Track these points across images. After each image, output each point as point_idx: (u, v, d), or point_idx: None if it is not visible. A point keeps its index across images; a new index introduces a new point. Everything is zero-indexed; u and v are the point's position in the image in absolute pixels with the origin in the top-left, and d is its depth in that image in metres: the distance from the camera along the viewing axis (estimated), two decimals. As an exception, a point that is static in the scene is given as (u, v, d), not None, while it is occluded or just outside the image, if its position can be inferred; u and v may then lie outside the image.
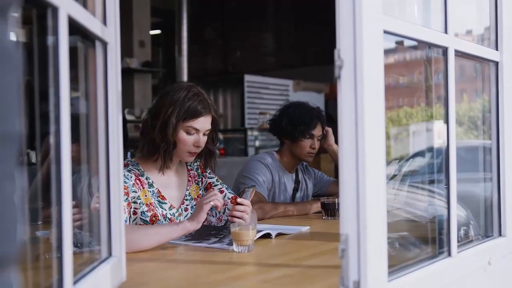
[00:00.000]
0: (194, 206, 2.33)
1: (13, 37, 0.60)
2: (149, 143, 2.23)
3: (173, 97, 2.20)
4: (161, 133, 2.19)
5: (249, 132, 7.64)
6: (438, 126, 1.97)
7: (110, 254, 1.39)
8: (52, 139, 1.02)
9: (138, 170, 2.23)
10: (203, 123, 2.24)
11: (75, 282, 1.10)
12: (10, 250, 0.58)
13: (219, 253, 1.89)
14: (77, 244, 1.38)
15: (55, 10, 1.00)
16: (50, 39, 1.02)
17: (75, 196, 1.10)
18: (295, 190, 3.17)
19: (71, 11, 1.06)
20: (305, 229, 2.37)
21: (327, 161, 6.94)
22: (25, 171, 0.66)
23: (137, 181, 2.19)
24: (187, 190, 2.37)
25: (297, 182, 3.18)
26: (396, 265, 1.34)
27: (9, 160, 0.58)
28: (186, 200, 2.36)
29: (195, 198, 2.38)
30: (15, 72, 0.59)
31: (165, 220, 2.23)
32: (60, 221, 1.02)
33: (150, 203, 2.21)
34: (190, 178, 2.40)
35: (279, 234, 2.21)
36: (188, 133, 2.22)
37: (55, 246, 1.06)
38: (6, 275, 0.58)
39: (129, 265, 1.49)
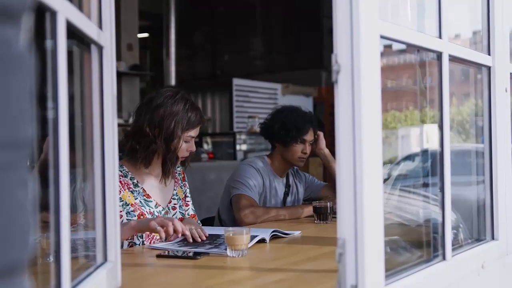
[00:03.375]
0: (181, 206, 2.45)
1: (25, 42, 0.60)
2: (152, 153, 2.29)
3: (173, 109, 2.27)
4: (166, 145, 2.27)
5: (237, 136, 7.62)
6: (427, 130, 1.99)
7: (105, 259, 1.38)
8: (50, 143, 1.01)
9: (121, 171, 2.26)
10: (198, 130, 2.37)
11: (72, 288, 1.09)
12: (24, 256, 0.58)
13: (214, 258, 1.88)
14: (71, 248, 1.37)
15: (53, 14, 1.00)
16: (48, 43, 1.02)
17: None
18: (286, 194, 3.17)
19: (69, 15, 1.06)
20: (297, 233, 2.37)
21: (315, 164, 6.96)
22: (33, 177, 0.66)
23: (118, 182, 2.20)
24: (174, 190, 2.45)
25: (287, 186, 3.18)
26: (392, 269, 1.34)
27: (21, 166, 0.58)
28: (174, 199, 2.44)
29: (182, 199, 2.47)
30: (28, 78, 0.59)
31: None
32: (58, 227, 1.01)
33: (135, 203, 2.26)
34: (176, 180, 2.49)
35: (274, 236, 2.22)
36: (186, 141, 2.32)
37: (52, 251, 1.05)
38: (20, 282, 0.58)
39: (125, 271, 1.48)
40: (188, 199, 2.53)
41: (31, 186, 0.61)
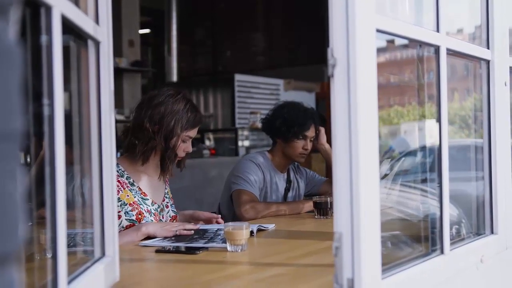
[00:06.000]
0: (172, 205, 2.50)
1: (14, 36, 0.60)
2: (150, 150, 2.31)
3: (174, 108, 2.30)
4: (165, 142, 2.29)
5: (239, 132, 7.62)
6: (430, 125, 1.98)
7: (103, 254, 1.38)
8: (46, 140, 1.01)
9: (117, 171, 2.27)
10: (196, 131, 2.40)
11: (69, 282, 1.10)
12: (12, 248, 0.59)
13: (213, 252, 1.89)
14: (69, 244, 1.38)
15: (48, 9, 1.00)
16: (43, 38, 1.02)
17: (66, 196, 1.09)
18: (287, 189, 3.17)
19: (65, 10, 1.06)
20: (271, 227, 2.40)
21: (318, 160, 6.96)
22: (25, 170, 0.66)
23: (117, 182, 2.22)
24: (166, 189, 2.50)
25: (288, 181, 3.18)
26: (390, 263, 1.34)
27: (11, 158, 0.58)
28: (166, 197, 2.48)
29: (171, 197, 2.52)
30: (17, 71, 0.59)
31: (150, 216, 2.31)
32: (54, 222, 1.01)
33: (133, 202, 2.29)
34: (166, 179, 2.52)
35: (259, 230, 2.27)
36: (183, 141, 2.35)
37: (48, 246, 1.05)
38: (8, 273, 0.58)
39: (123, 265, 1.48)
40: (170, 201, 2.57)
41: (21, 178, 0.61)
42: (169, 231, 2.12)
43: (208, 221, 2.45)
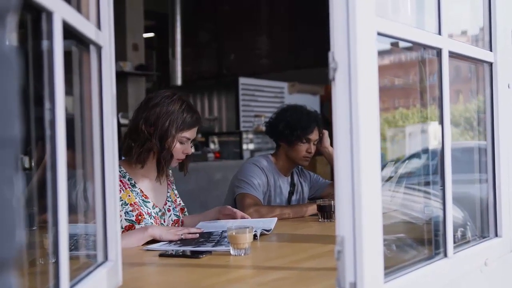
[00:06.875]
0: (175, 208, 2.49)
1: (11, 41, 0.60)
2: (146, 152, 2.31)
3: (169, 109, 2.31)
4: (160, 143, 2.29)
5: (244, 135, 7.62)
6: (434, 127, 1.98)
7: (106, 258, 1.38)
8: (47, 144, 1.02)
9: (120, 172, 2.28)
10: (195, 133, 2.39)
11: (71, 287, 1.10)
12: (9, 254, 0.59)
13: (216, 256, 1.88)
14: (71, 247, 1.38)
15: (49, 14, 1.00)
16: (44, 44, 1.02)
17: (70, 201, 1.10)
18: (291, 193, 3.17)
19: (66, 16, 1.06)
20: (273, 223, 2.42)
21: (322, 163, 6.95)
22: (22, 176, 0.66)
23: (119, 182, 2.23)
24: (168, 192, 2.50)
25: (292, 185, 3.18)
26: (392, 266, 1.34)
27: (8, 164, 0.58)
28: (168, 201, 2.48)
29: (174, 201, 2.51)
30: (14, 77, 0.59)
31: (150, 218, 2.32)
32: (56, 226, 1.02)
33: (134, 203, 2.30)
34: (169, 183, 2.53)
35: (262, 234, 2.25)
36: (181, 142, 2.35)
37: (50, 251, 1.05)
38: (5, 279, 0.58)
39: (125, 270, 1.48)
40: (178, 200, 2.58)
41: (19, 184, 0.61)
42: (174, 234, 2.12)
43: (233, 216, 2.48)
